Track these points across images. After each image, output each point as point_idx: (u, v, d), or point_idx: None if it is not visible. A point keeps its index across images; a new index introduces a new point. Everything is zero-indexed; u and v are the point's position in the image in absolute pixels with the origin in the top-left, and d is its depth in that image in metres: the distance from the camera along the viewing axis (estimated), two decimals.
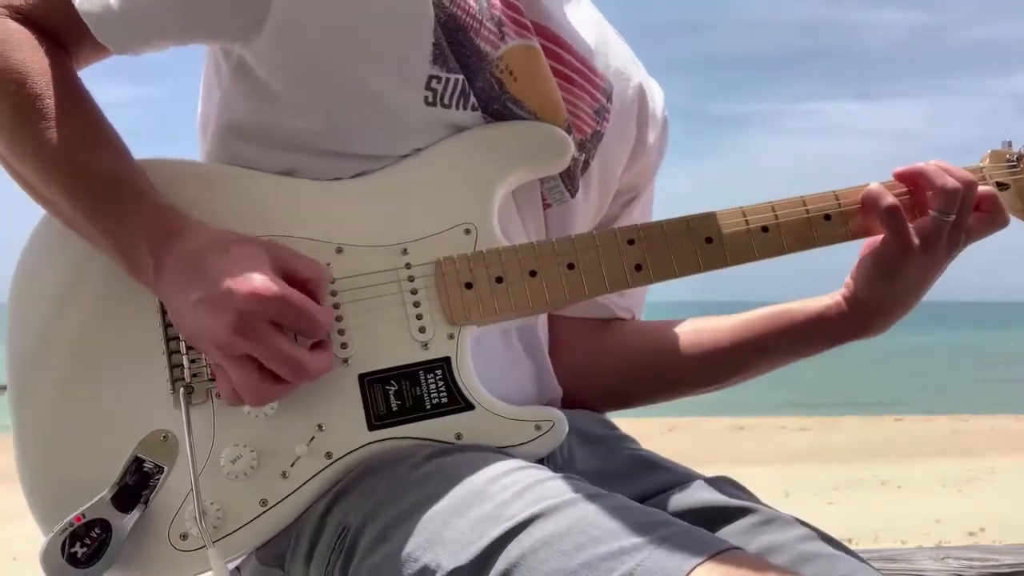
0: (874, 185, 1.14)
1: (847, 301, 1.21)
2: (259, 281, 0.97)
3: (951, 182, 1.11)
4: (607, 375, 1.30)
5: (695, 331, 1.29)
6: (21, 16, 1.09)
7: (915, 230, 1.12)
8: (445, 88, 1.09)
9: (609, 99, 1.23)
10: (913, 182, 1.14)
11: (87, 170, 1.04)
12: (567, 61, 1.18)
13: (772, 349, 1.26)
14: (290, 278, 1.01)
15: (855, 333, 1.22)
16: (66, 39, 1.11)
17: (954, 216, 1.12)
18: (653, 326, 1.34)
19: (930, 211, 1.12)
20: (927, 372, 27.54)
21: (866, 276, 1.17)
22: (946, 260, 1.15)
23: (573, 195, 1.20)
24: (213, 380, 1.04)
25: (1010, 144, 1.20)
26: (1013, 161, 1.19)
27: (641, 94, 1.29)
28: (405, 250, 1.09)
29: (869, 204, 1.13)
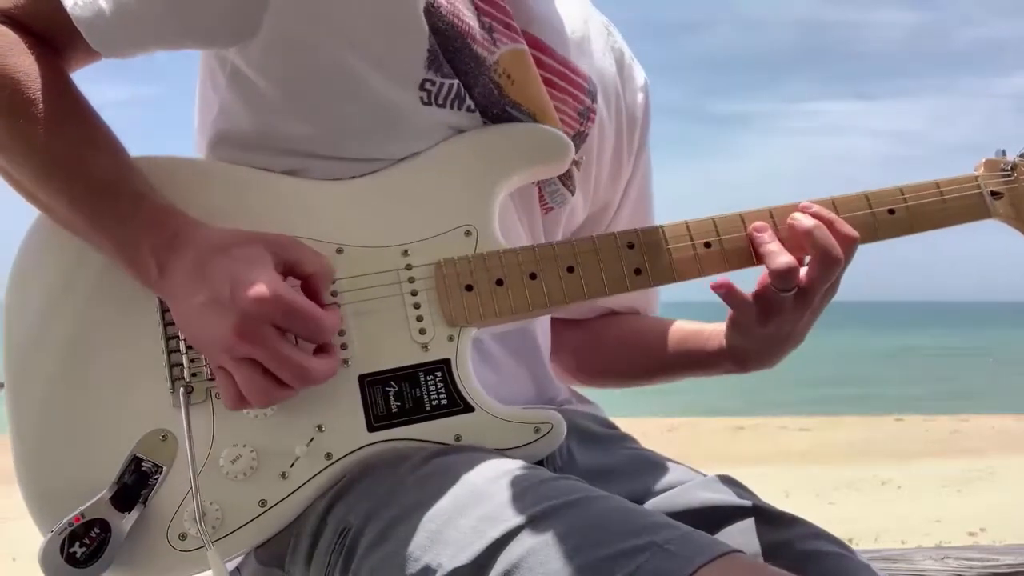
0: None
1: (725, 339, 1.21)
2: (262, 285, 0.96)
3: (783, 261, 1.05)
4: (583, 360, 1.39)
5: (642, 331, 1.36)
6: (9, 20, 1.07)
7: (754, 299, 1.08)
8: (439, 91, 1.09)
9: (594, 99, 1.23)
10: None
11: (85, 172, 1.03)
12: (548, 65, 1.18)
13: (681, 367, 1.31)
14: (294, 273, 1.01)
15: (734, 370, 1.24)
16: (56, 42, 1.09)
17: (790, 293, 1.07)
18: (629, 322, 1.39)
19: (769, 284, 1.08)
20: (927, 372, 27.53)
21: (726, 328, 1.18)
22: (793, 329, 1.12)
23: (573, 194, 1.21)
24: (213, 379, 1.03)
25: (1004, 153, 1.20)
26: (1007, 170, 1.19)
27: (624, 96, 1.30)
28: (406, 251, 1.08)
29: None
